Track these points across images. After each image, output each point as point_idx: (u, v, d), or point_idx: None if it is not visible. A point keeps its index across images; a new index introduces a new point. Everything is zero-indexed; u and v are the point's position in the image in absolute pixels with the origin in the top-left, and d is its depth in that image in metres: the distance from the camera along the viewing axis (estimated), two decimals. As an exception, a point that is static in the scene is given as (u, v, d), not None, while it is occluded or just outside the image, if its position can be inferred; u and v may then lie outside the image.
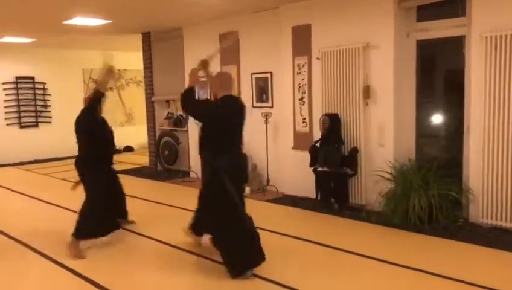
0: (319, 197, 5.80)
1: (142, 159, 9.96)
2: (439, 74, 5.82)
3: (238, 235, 3.75)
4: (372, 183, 5.39)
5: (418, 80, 5.44)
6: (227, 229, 3.77)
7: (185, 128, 8.24)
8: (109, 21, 7.15)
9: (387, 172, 5.18)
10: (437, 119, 5.66)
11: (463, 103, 5.00)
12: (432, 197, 4.71)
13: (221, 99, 3.87)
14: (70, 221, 5.60)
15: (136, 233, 5.00)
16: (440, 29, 5.16)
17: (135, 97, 12.10)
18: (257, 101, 6.98)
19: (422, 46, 5.38)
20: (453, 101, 5.44)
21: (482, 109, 4.65)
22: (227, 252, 3.78)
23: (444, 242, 4.45)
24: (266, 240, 4.67)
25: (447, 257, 4.11)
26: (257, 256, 3.77)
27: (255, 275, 3.73)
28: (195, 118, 4.21)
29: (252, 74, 6.99)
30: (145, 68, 9.12)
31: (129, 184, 7.73)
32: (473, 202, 4.82)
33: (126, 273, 3.96)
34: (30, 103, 10.65)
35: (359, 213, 5.40)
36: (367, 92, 5.46)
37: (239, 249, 3.74)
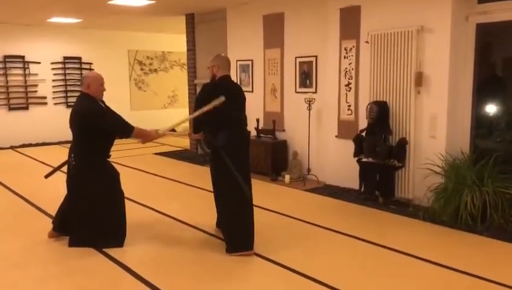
0: (362, 189, 5.52)
1: (184, 142, 9.96)
2: (500, 60, 5.35)
3: (236, 212, 3.90)
4: (420, 177, 5.05)
5: (476, 67, 5.01)
6: (227, 204, 3.94)
7: (226, 113, 8.10)
8: (153, 1, 7.07)
9: (438, 166, 4.83)
10: (496, 109, 5.22)
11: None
12: (486, 195, 4.36)
13: (219, 79, 4.04)
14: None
15: (174, 218, 4.92)
16: (503, 11, 4.71)
17: (179, 80, 12.08)
18: (300, 86, 6.73)
19: (482, 31, 4.94)
20: (515, 90, 4.99)
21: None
22: (226, 227, 4.00)
23: (498, 244, 4.11)
24: (301, 230, 4.51)
25: (502, 261, 3.77)
26: (244, 241, 3.87)
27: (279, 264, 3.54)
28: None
29: (296, 57, 6.73)
30: (188, 50, 9.05)
31: (169, 166, 7.78)
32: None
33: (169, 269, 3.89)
34: (77, 83, 10.83)
35: (405, 208, 5.09)
36: (419, 79, 5.09)
37: (234, 227, 3.90)
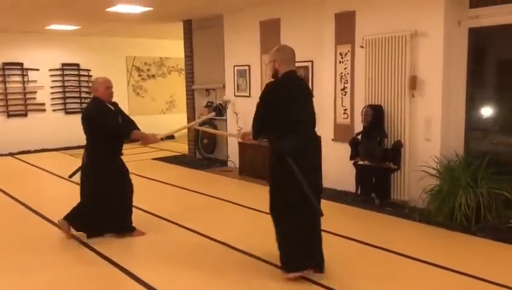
0: (359, 192, 5.60)
1: (182, 147, 10.03)
2: (493, 64, 5.45)
3: (296, 228, 3.43)
4: (416, 179, 5.13)
5: (469, 70, 5.10)
6: (288, 218, 3.44)
7: (224, 117, 8.17)
8: (150, 8, 7.16)
9: (433, 168, 4.91)
10: (489, 112, 5.31)
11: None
12: (480, 196, 4.43)
13: (283, 77, 3.51)
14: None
15: (172, 222, 4.98)
16: (495, 16, 4.81)
17: (177, 85, 12.17)
18: (297, 91, 6.81)
19: (474, 35, 5.04)
20: (506, 93, 5.08)
21: (540, 102, 4.30)
22: (282, 245, 3.51)
23: (492, 244, 4.18)
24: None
25: (496, 261, 3.85)
26: (307, 259, 3.46)
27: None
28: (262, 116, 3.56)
29: (293, 62, 6.81)
30: (185, 56, 9.13)
31: (169, 172, 7.85)
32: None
33: (167, 272, 3.95)
34: (75, 90, 10.92)
35: (401, 210, 5.17)
36: (413, 83, 5.18)
37: (292, 244, 3.45)
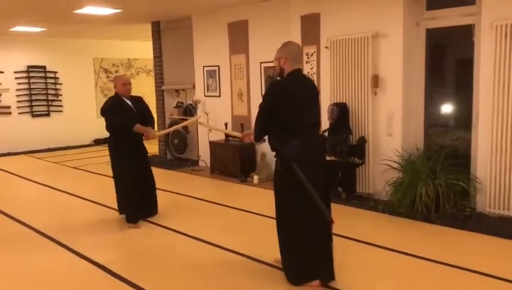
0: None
1: (152, 148, 10.03)
2: (449, 63, 5.79)
3: (305, 237, 3.27)
4: (379, 172, 5.41)
5: (427, 69, 5.42)
6: (295, 227, 3.28)
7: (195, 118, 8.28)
8: (119, 10, 7.19)
9: (395, 161, 5.19)
10: (446, 108, 5.64)
11: (472, 92, 4.98)
12: (439, 187, 4.71)
13: (288, 76, 3.33)
14: (84, 209, 5.75)
15: (152, 223, 5.07)
16: (450, 17, 5.13)
17: (145, 86, 12.14)
18: (266, 90, 7.00)
19: (431, 35, 5.35)
20: (462, 90, 5.42)
21: (491, 98, 4.63)
22: (288, 255, 3.37)
23: (450, 231, 4.48)
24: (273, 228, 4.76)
25: (454, 246, 4.13)
26: (315, 270, 3.31)
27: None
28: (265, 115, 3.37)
29: (261, 62, 7.00)
30: (154, 57, 9.18)
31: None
32: (480, 192, 4.82)
33: (152, 269, 4.05)
34: (42, 92, 10.78)
35: (366, 202, 5.42)
36: (375, 81, 5.45)
37: (300, 255, 3.30)
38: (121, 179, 4.90)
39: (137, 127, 4.74)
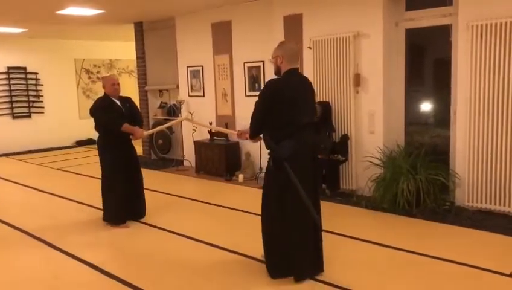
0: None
1: (136, 149, 10.00)
2: (428, 61, 5.97)
3: (286, 235, 3.33)
4: (362, 169, 5.55)
5: (406, 68, 5.58)
6: (278, 224, 3.35)
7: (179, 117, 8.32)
8: (102, 11, 7.19)
9: (377, 158, 5.33)
10: (425, 106, 5.82)
11: (450, 90, 5.15)
12: (419, 182, 4.85)
13: (284, 75, 3.35)
14: (68, 209, 5.74)
15: (141, 222, 5.11)
16: (428, 18, 5.29)
17: (128, 87, 12.08)
18: (250, 90, 7.09)
19: (410, 35, 5.51)
20: (440, 89, 5.59)
21: (468, 96, 4.80)
22: (269, 251, 3.47)
23: (431, 225, 4.63)
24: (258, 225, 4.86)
25: (434, 239, 4.29)
26: (292, 268, 3.40)
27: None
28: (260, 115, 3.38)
29: (245, 62, 7.09)
30: (138, 58, 9.17)
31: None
32: (459, 186, 5.00)
33: (137, 264, 4.09)
34: (22, 94, 10.66)
35: (350, 198, 5.56)
36: (357, 80, 5.59)
37: (280, 252, 3.38)
38: (110, 178, 4.89)
39: (126, 127, 4.77)
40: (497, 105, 4.63)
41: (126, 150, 4.99)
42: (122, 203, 4.89)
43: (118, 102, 4.93)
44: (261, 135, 3.46)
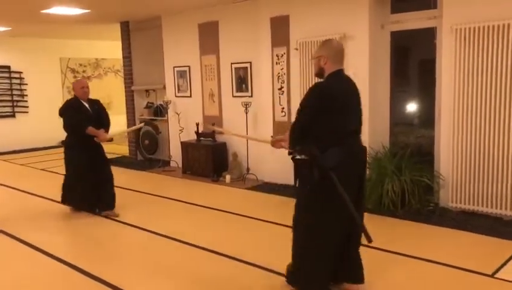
0: (297, 184, 5.95)
1: (122, 149, 9.98)
2: (413, 63, 6.04)
3: (325, 249, 3.08)
4: (348, 170, 5.58)
5: (392, 70, 5.64)
6: (317, 237, 3.06)
7: (165, 118, 8.29)
8: (88, 10, 7.13)
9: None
10: (410, 107, 5.89)
11: (434, 92, 5.22)
12: (404, 183, 4.90)
13: (329, 78, 3.05)
14: (51, 209, 5.69)
15: (120, 221, 5.08)
16: (413, 20, 5.35)
17: (113, 86, 12.05)
18: (237, 91, 7.09)
19: (396, 37, 5.57)
20: (425, 90, 5.66)
21: (452, 97, 4.87)
22: (302, 262, 3.17)
23: (416, 225, 4.68)
24: (245, 225, 4.87)
25: (419, 239, 4.34)
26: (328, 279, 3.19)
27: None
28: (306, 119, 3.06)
29: (232, 63, 7.09)
30: (124, 57, 9.11)
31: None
32: (443, 187, 5.06)
33: (108, 259, 4.07)
34: (6, 93, 10.53)
35: (336, 199, 5.59)
36: (343, 82, 5.62)
37: (316, 265, 3.10)
38: (71, 171, 5.23)
39: (90, 130, 5.03)
40: (480, 107, 4.70)
41: (92, 149, 5.19)
42: (83, 195, 5.19)
43: (86, 104, 5.18)
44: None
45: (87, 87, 5.22)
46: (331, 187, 2.88)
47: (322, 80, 3.12)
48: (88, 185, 5.18)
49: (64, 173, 5.37)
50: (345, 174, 2.93)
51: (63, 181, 5.39)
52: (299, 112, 3.05)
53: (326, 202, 2.98)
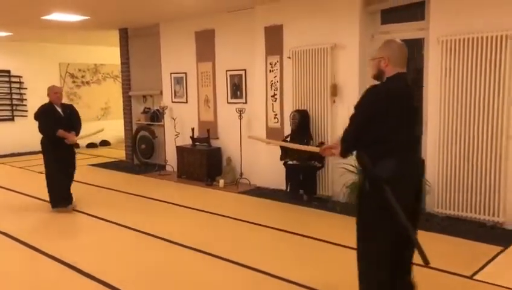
0: (288, 189, 6.11)
1: (119, 153, 10.11)
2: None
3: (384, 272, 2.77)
4: (337, 175, 5.73)
5: (381, 79, 5.78)
6: (382, 267, 2.76)
7: (161, 123, 8.44)
8: (87, 17, 7.29)
9: (351, 165, 5.50)
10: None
11: (422, 101, 5.37)
12: (392, 189, 5.04)
13: (389, 81, 2.74)
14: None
15: (115, 223, 5.21)
16: (402, 31, 5.51)
17: (112, 92, 12.20)
18: (232, 97, 7.25)
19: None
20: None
21: (438, 106, 5.03)
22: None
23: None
24: (239, 230, 5.01)
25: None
26: None
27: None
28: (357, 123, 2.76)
29: (227, 70, 7.25)
30: (122, 63, 9.27)
31: (106, 177, 7.95)
32: (429, 193, 5.20)
33: (104, 260, 4.20)
34: (6, 97, 10.67)
35: (326, 204, 5.74)
36: (334, 90, 5.80)
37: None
38: (49, 170, 5.60)
39: (60, 132, 5.47)
40: (465, 116, 4.86)
41: (63, 149, 5.60)
42: (63, 191, 5.64)
43: (59, 109, 5.62)
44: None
45: (61, 93, 5.70)
46: (385, 201, 2.56)
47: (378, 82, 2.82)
48: (63, 183, 5.64)
49: (44, 169, 5.72)
50: (401, 188, 2.60)
51: (46, 182, 5.70)
52: (353, 116, 2.74)
53: (380, 219, 2.66)
